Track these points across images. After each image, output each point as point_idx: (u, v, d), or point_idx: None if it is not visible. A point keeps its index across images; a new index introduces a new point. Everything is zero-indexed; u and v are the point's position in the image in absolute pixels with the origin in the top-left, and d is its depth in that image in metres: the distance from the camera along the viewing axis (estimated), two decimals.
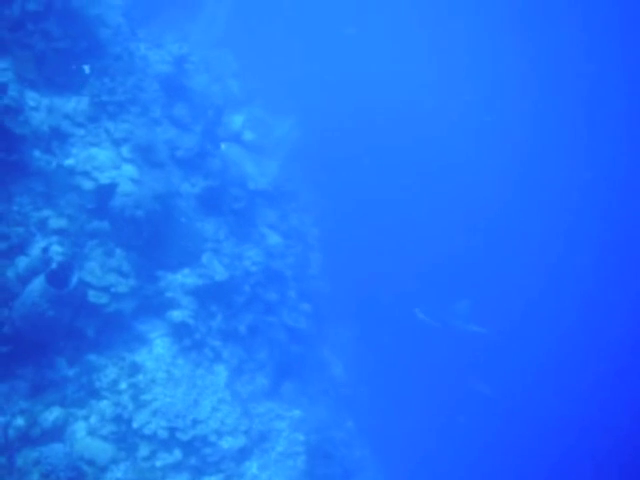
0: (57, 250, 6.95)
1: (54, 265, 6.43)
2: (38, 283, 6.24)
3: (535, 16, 23.47)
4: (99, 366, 7.16)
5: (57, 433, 6.53)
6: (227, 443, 7.52)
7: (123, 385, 7.14)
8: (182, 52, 10.29)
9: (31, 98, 7.66)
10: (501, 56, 22.87)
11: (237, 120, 10.76)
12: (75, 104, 8.12)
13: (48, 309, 6.28)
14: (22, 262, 6.67)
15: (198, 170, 9.60)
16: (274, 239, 10.22)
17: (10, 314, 6.36)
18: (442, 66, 21.27)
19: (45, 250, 6.81)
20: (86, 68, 8.38)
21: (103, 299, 7.15)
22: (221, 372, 8.22)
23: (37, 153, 7.44)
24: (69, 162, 7.67)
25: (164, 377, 7.48)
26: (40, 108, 7.71)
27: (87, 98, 8.27)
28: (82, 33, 8.39)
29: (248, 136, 10.76)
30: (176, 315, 8.03)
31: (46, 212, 7.23)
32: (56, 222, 7.21)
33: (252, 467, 7.82)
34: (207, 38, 11.67)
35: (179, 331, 8.02)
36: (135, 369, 7.35)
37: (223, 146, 10.04)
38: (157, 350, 7.76)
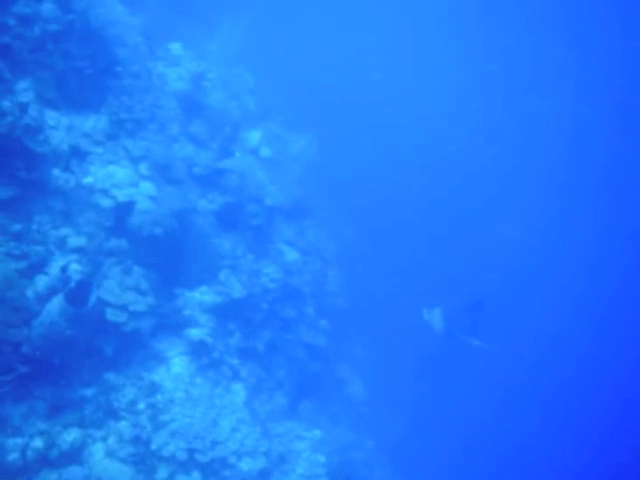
0: (76, 268, 6.91)
1: (73, 284, 6.38)
2: (57, 302, 6.20)
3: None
4: (117, 386, 7.07)
5: (75, 455, 6.42)
6: (247, 465, 7.37)
7: (141, 405, 7.04)
8: (199, 70, 10.35)
9: (51, 117, 7.70)
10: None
11: (254, 136, 10.76)
12: (94, 122, 8.16)
13: (67, 328, 6.23)
14: (41, 281, 6.63)
15: (215, 187, 9.59)
16: (292, 255, 10.13)
17: (29, 333, 6.32)
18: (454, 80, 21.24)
19: (64, 269, 6.76)
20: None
21: (121, 317, 7.08)
22: (239, 391, 8.09)
23: (56, 171, 7.45)
24: (88, 180, 7.68)
25: (182, 397, 7.37)
26: (59, 127, 7.74)
27: (106, 116, 8.31)
28: (101, 52, 8.45)
29: (265, 152, 10.75)
30: (194, 333, 7.95)
31: (65, 230, 7.21)
32: (75, 240, 7.18)
33: None
34: (224, 55, 11.75)
35: (197, 349, 7.93)
36: (153, 389, 7.25)
37: (238, 155, 10.03)
38: (175, 369, 7.66)
